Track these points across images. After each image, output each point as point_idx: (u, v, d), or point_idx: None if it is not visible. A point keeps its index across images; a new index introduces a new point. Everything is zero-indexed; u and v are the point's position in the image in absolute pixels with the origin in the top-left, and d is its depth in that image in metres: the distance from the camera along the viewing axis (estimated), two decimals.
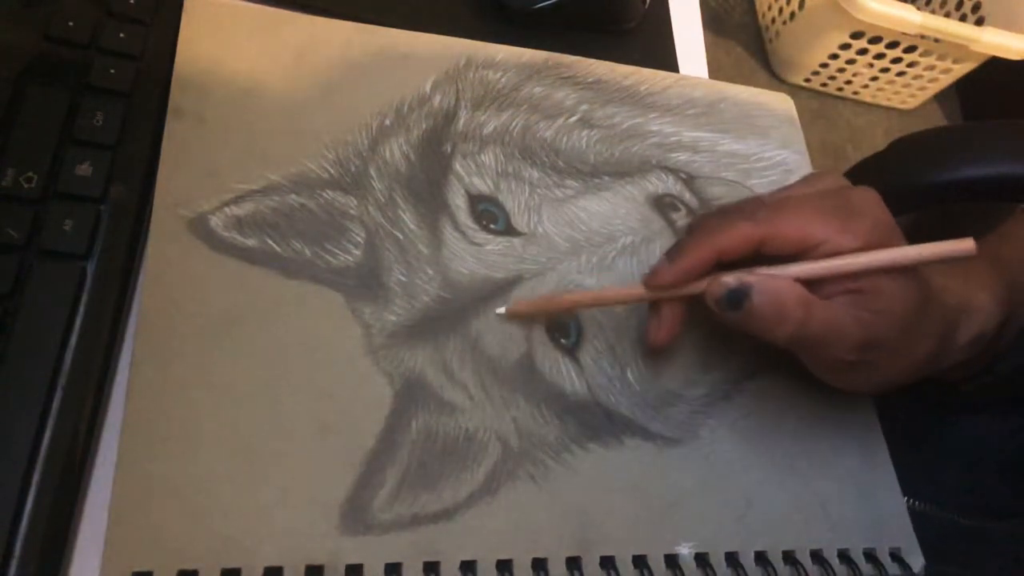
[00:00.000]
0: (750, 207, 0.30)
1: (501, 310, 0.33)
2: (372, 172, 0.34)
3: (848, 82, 1.37)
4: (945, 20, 1.18)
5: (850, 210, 0.30)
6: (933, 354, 0.32)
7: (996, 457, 0.42)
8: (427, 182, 0.35)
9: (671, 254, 0.31)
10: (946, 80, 1.34)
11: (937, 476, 0.42)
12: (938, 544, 0.35)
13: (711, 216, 0.31)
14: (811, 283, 0.30)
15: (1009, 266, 0.38)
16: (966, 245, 0.28)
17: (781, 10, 1.33)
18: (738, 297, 0.29)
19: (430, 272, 0.33)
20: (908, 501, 0.36)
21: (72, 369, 0.27)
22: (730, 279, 0.29)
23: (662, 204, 0.38)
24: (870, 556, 0.33)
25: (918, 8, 1.17)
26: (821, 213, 0.30)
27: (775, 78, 1.39)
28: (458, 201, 0.35)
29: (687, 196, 0.39)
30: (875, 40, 1.24)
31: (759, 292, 0.29)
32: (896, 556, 0.34)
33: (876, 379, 0.32)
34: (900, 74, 1.33)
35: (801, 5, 1.26)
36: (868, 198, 0.31)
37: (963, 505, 0.40)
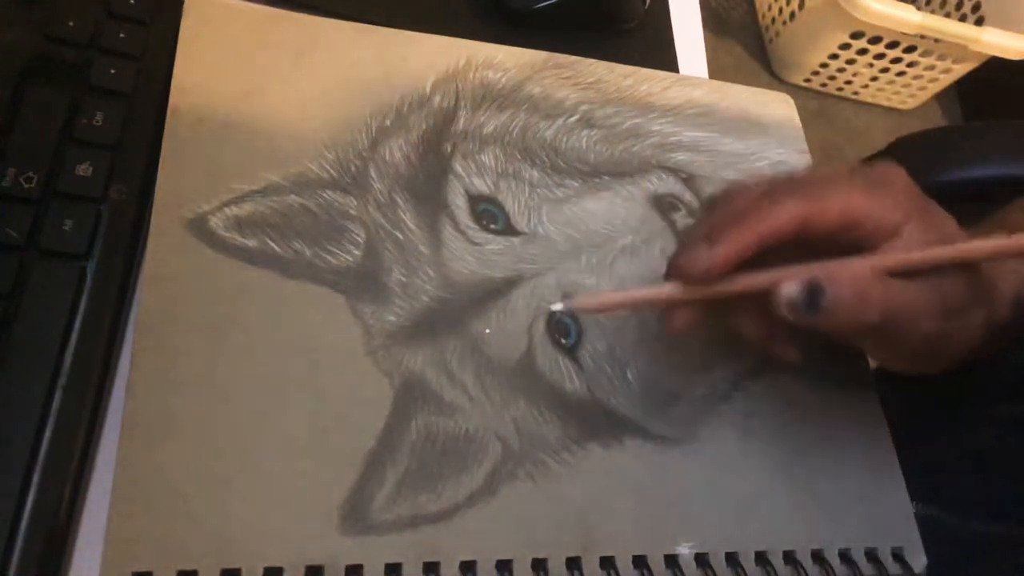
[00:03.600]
0: (785, 184, 0.28)
1: (558, 306, 0.30)
2: (372, 172, 0.34)
3: (848, 82, 1.37)
4: (945, 20, 1.18)
5: (880, 182, 0.28)
6: (987, 319, 0.31)
7: (1007, 462, 0.42)
8: (427, 182, 0.35)
9: (709, 237, 0.27)
10: (946, 80, 1.34)
11: (947, 481, 0.42)
12: (947, 549, 0.35)
13: (746, 192, 0.29)
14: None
15: None
16: None
17: (781, 10, 1.33)
18: (814, 298, 0.26)
19: (430, 272, 0.33)
20: (917, 505, 0.36)
21: (72, 369, 0.27)
22: (801, 276, 0.26)
23: (662, 204, 0.38)
24: (871, 556, 0.33)
25: (918, 8, 1.17)
26: (855, 187, 0.28)
27: (775, 78, 1.39)
28: (458, 201, 0.35)
29: (687, 196, 0.39)
30: (875, 40, 1.24)
31: (836, 283, 0.26)
32: (898, 556, 0.34)
33: (950, 352, 0.30)
34: (900, 74, 1.33)
35: (801, 5, 1.26)
36: (891, 169, 0.29)
37: (973, 510, 0.40)
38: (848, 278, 0.27)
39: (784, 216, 0.27)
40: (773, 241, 0.27)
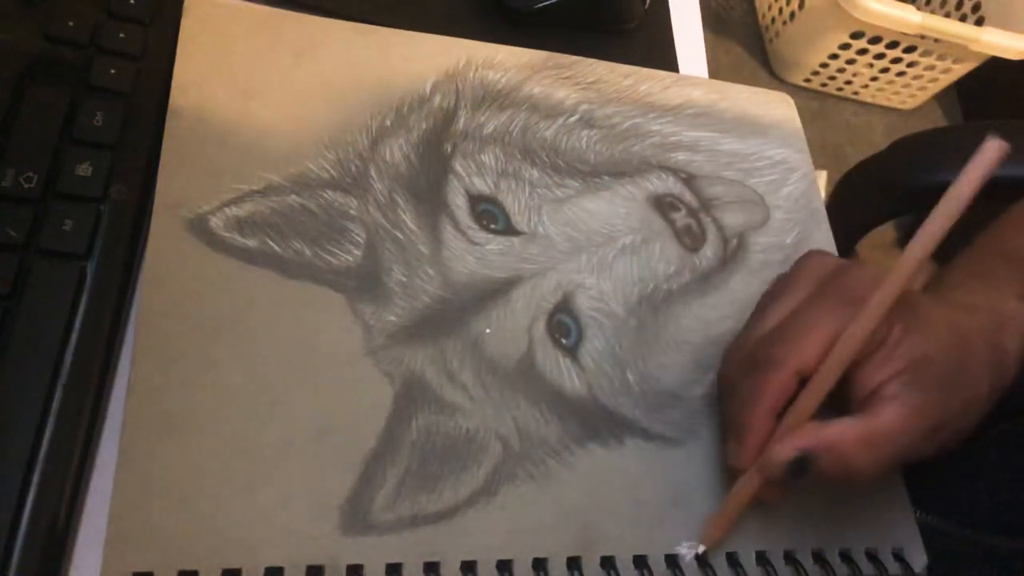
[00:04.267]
0: (766, 351, 0.30)
1: (701, 549, 0.31)
2: (372, 172, 0.34)
3: (848, 82, 1.37)
4: (945, 20, 1.18)
5: (851, 296, 0.29)
6: (995, 381, 0.31)
7: (1008, 472, 0.42)
8: (427, 182, 0.35)
9: (734, 434, 0.30)
10: (946, 80, 1.34)
11: (954, 492, 0.42)
12: (954, 561, 0.35)
13: (742, 375, 0.31)
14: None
15: None
16: (991, 153, 0.27)
17: (781, 10, 1.33)
18: (800, 466, 0.28)
19: (430, 272, 0.33)
20: (924, 516, 0.36)
21: (72, 369, 0.27)
22: (786, 450, 0.28)
23: (662, 204, 0.38)
24: (871, 556, 0.33)
25: (918, 8, 1.17)
26: (828, 312, 0.29)
27: (775, 78, 1.39)
28: (458, 201, 0.35)
29: (687, 196, 0.39)
30: (875, 40, 1.24)
31: (819, 457, 0.28)
32: (898, 556, 0.34)
33: (962, 433, 0.31)
34: (900, 74, 1.33)
35: (801, 5, 1.26)
36: (862, 275, 0.30)
37: (980, 522, 0.40)
38: (830, 448, 0.28)
39: (777, 386, 0.29)
40: (782, 407, 0.29)
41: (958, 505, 0.40)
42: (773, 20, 1.37)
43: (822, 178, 1.21)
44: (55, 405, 0.26)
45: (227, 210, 0.31)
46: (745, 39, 1.43)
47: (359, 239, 0.33)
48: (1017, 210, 0.41)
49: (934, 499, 0.39)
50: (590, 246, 0.36)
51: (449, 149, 0.36)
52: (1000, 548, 0.38)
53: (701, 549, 0.31)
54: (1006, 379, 0.32)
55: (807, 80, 1.38)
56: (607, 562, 0.30)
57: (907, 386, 0.29)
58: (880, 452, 0.28)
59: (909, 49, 1.26)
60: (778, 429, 0.30)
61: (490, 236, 0.35)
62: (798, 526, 0.33)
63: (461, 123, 0.37)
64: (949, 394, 0.29)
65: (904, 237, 1.30)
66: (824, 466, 0.28)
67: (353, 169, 0.34)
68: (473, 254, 0.34)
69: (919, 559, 0.34)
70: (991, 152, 0.27)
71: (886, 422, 0.28)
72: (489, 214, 0.35)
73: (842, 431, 0.28)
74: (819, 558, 0.32)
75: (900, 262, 0.28)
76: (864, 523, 0.34)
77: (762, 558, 0.32)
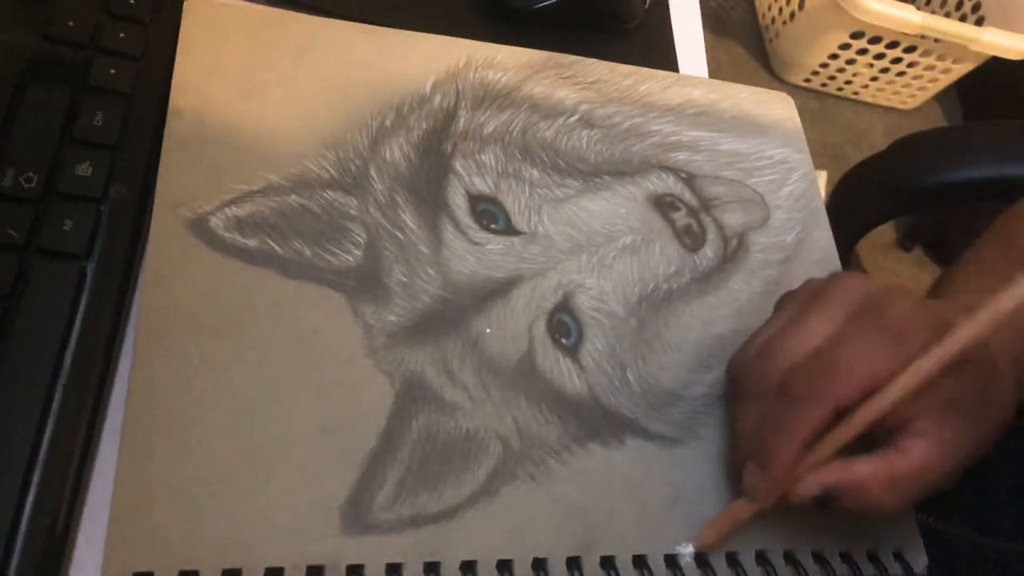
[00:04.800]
0: (807, 384, 0.28)
1: (689, 548, 0.31)
2: (372, 172, 0.34)
3: (848, 82, 1.37)
4: (945, 20, 1.18)
5: (895, 332, 0.28)
6: (1020, 394, 0.31)
7: (1010, 475, 0.42)
8: (427, 182, 0.35)
9: (761, 461, 0.29)
10: (946, 80, 1.34)
11: (956, 494, 0.42)
12: (948, 561, 0.35)
13: (780, 405, 0.29)
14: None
15: None
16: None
17: (781, 10, 1.33)
18: (825, 500, 0.28)
19: (431, 272, 0.33)
20: (926, 519, 0.36)
21: (72, 369, 0.27)
22: (813, 486, 0.28)
23: (662, 204, 0.38)
24: (872, 556, 0.33)
25: (918, 8, 1.17)
26: (880, 354, 0.28)
27: (775, 78, 1.39)
28: (458, 201, 0.35)
29: (687, 196, 0.39)
30: (875, 40, 1.24)
31: (843, 495, 0.28)
32: (899, 556, 0.34)
33: (978, 456, 0.30)
34: (900, 74, 1.33)
35: (801, 5, 1.26)
36: (904, 308, 0.29)
37: (976, 523, 0.40)
38: (854, 488, 0.28)
39: (816, 422, 0.28)
40: (814, 441, 0.29)
41: (960, 507, 0.40)
42: (773, 20, 1.37)
43: (822, 178, 1.21)
44: (55, 405, 0.26)
45: (227, 210, 0.31)
46: (745, 39, 1.43)
47: (359, 239, 0.33)
48: (1021, 208, 0.41)
49: (936, 501, 0.39)
50: (590, 246, 0.36)
51: (449, 149, 0.36)
52: (1003, 550, 0.38)
53: (688, 550, 0.31)
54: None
55: (807, 80, 1.38)
56: (607, 562, 0.30)
57: (939, 423, 0.28)
58: (906, 491, 0.28)
59: (909, 49, 1.26)
60: (804, 460, 0.29)
61: (490, 236, 0.35)
62: (798, 526, 0.33)
63: (461, 123, 0.37)
64: (979, 426, 0.29)
65: (904, 237, 1.30)
66: (849, 503, 0.28)
67: (353, 169, 0.34)
68: (473, 254, 0.34)
69: (919, 560, 0.34)
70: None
71: (915, 460, 0.28)
72: (489, 214, 0.35)
73: (871, 471, 0.28)
74: (819, 558, 0.32)
75: (956, 335, 0.27)
76: (864, 524, 0.34)
77: (762, 558, 0.32)
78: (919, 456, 0.28)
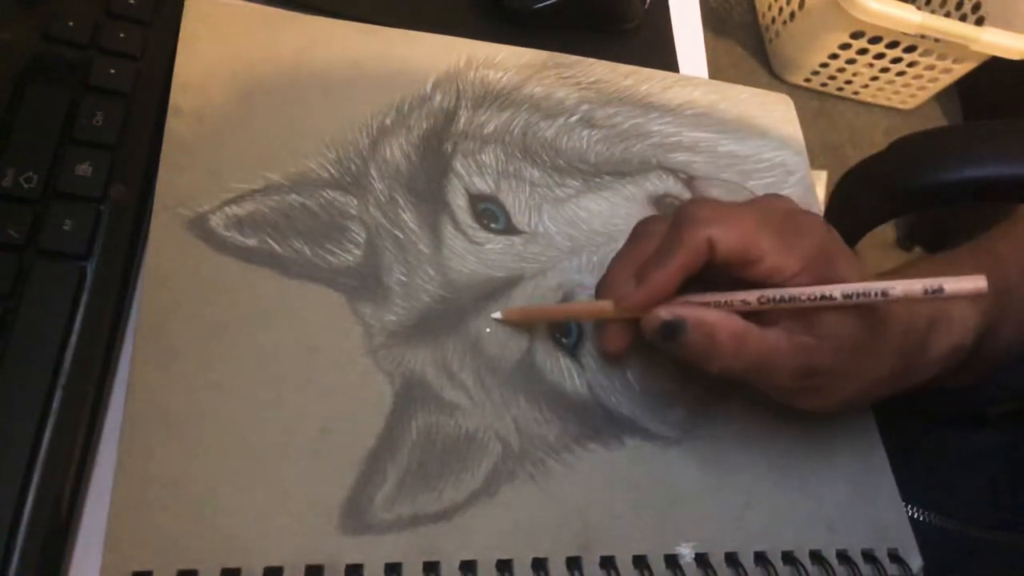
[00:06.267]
0: (693, 214, 0.30)
1: (497, 315, 0.33)
2: (372, 172, 0.34)
3: (848, 82, 1.37)
4: (945, 20, 1.18)
5: (795, 230, 0.30)
6: (898, 373, 0.31)
7: (1002, 468, 0.42)
8: (427, 182, 0.35)
9: (639, 276, 0.30)
10: (946, 80, 1.34)
11: (942, 487, 0.42)
12: (942, 555, 0.35)
13: (663, 226, 0.31)
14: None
15: (1004, 265, 0.37)
16: (974, 284, 0.26)
17: (781, 10, 1.33)
18: (672, 331, 0.29)
19: (430, 272, 0.33)
20: (913, 511, 0.36)
21: (72, 369, 0.27)
22: (665, 312, 0.29)
23: (662, 204, 0.38)
24: (869, 556, 0.33)
25: (918, 8, 1.17)
26: (765, 227, 0.29)
27: (775, 78, 1.39)
28: (459, 200, 0.35)
29: (687, 196, 0.39)
30: (875, 40, 1.24)
31: (692, 327, 0.29)
32: (895, 556, 0.34)
33: (828, 401, 0.32)
34: (900, 74, 1.33)
35: (801, 5, 1.26)
36: (815, 222, 0.30)
37: (969, 516, 0.40)
38: (703, 324, 0.29)
39: (694, 242, 0.29)
40: (693, 269, 0.29)
41: (956, 501, 0.40)
42: (773, 20, 1.37)
43: (822, 178, 1.21)
44: (55, 405, 0.26)
45: (227, 209, 0.31)
46: (745, 39, 1.43)
47: (359, 238, 0.33)
48: (1013, 222, 0.41)
49: (932, 495, 0.40)
50: (590, 245, 0.36)
51: (450, 148, 0.36)
52: (999, 543, 0.38)
53: (497, 314, 0.33)
54: (914, 379, 0.33)
55: (807, 80, 1.38)
56: (607, 562, 0.30)
57: (807, 334, 0.29)
58: (746, 350, 0.29)
59: (909, 49, 1.26)
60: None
61: (490, 235, 0.35)
62: (797, 526, 0.33)
63: (462, 122, 0.37)
64: (835, 354, 0.30)
65: (904, 237, 1.30)
66: (693, 339, 0.29)
67: (353, 168, 0.34)
68: (473, 253, 0.34)
69: (915, 560, 0.34)
70: None
71: (768, 336, 0.29)
72: (489, 213, 0.35)
73: (723, 319, 0.29)
74: (818, 558, 0.32)
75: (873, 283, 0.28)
76: (861, 524, 0.34)
77: (762, 558, 0.32)
78: (772, 337, 0.29)
